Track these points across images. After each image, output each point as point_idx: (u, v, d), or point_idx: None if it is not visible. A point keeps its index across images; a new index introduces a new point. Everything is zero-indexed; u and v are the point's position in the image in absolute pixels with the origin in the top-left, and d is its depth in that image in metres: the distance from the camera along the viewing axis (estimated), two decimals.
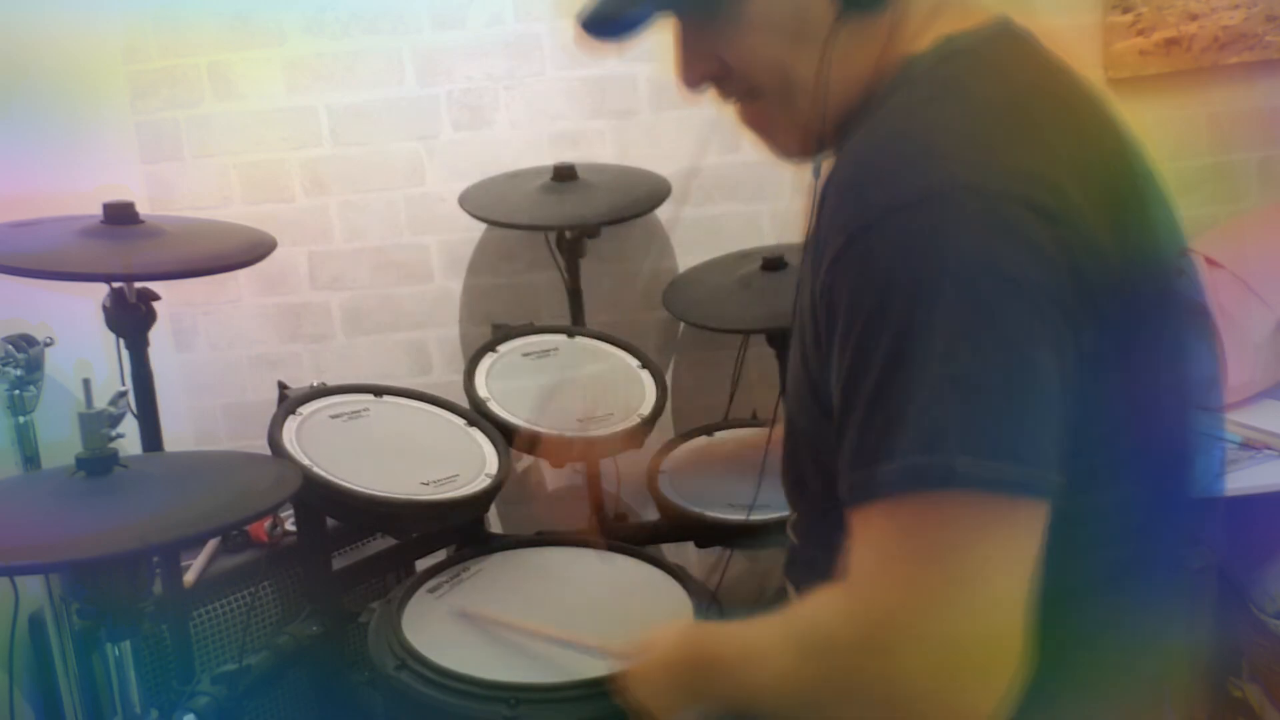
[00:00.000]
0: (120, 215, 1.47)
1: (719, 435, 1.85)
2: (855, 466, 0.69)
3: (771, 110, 0.84)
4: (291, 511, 1.61)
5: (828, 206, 0.74)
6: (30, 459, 1.51)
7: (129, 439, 1.51)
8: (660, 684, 0.89)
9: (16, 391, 1.48)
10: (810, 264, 0.77)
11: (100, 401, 1.46)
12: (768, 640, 0.77)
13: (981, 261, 0.65)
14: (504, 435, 1.61)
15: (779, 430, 0.94)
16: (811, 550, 0.89)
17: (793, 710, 0.74)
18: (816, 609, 0.73)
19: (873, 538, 0.68)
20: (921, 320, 0.65)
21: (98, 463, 1.14)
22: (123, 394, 1.49)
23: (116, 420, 1.48)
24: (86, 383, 1.44)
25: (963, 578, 0.65)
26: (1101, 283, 0.68)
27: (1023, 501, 0.65)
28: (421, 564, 1.62)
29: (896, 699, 0.66)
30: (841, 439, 0.71)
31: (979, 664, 0.65)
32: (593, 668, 1.14)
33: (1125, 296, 0.70)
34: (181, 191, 2.16)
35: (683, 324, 2.17)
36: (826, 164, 0.85)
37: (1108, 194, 0.71)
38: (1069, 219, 0.67)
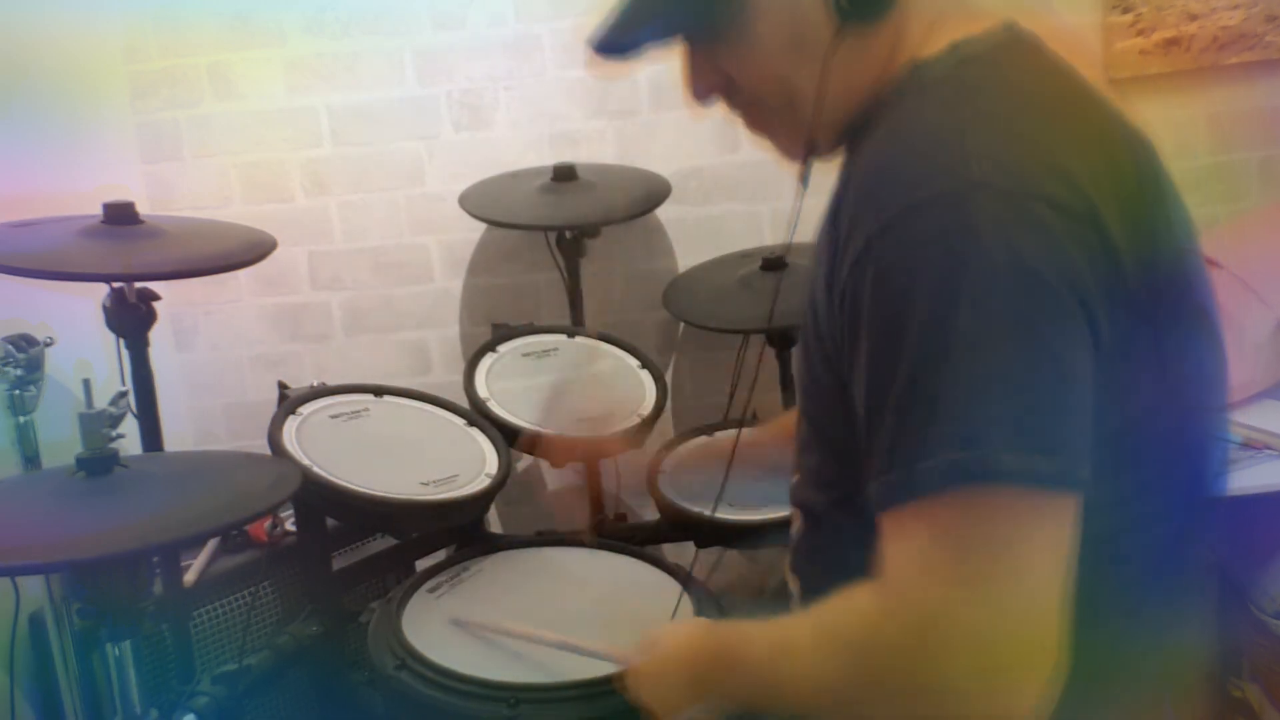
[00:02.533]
0: (120, 215, 1.46)
1: (719, 435, 1.85)
2: (889, 468, 0.69)
3: (775, 120, 0.87)
4: (291, 511, 1.61)
5: (846, 209, 0.74)
6: (30, 459, 1.51)
7: (129, 439, 1.51)
8: (670, 680, 0.88)
9: (17, 391, 1.48)
10: (824, 262, 0.78)
11: (100, 401, 1.46)
12: (796, 637, 0.76)
13: (1002, 257, 0.65)
14: (504, 435, 1.61)
15: (767, 428, 0.94)
16: (820, 539, 0.89)
17: (823, 709, 0.73)
18: (851, 607, 0.72)
19: (910, 536, 0.68)
20: (946, 318, 0.65)
21: (98, 463, 1.14)
22: (123, 394, 1.49)
23: (117, 420, 1.48)
24: (87, 383, 1.44)
25: (1003, 574, 0.65)
26: (1118, 279, 0.68)
27: (1059, 495, 0.65)
28: (421, 564, 1.63)
29: (937, 699, 0.66)
30: (871, 441, 0.71)
31: (1019, 662, 0.65)
32: (593, 668, 1.14)
33: (1142, 293, 0.70)
34: (181, 191, 2.16)
35: (683, 324, 2.17)
36: (821, 168, 0.87)
37: (1121, 193, 0.71)
38: (1086, 215, 0.67)
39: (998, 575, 0.65)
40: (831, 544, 0.86)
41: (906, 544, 0.68)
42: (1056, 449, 0.65)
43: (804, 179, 0.87)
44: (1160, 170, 0.78)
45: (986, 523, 0.65)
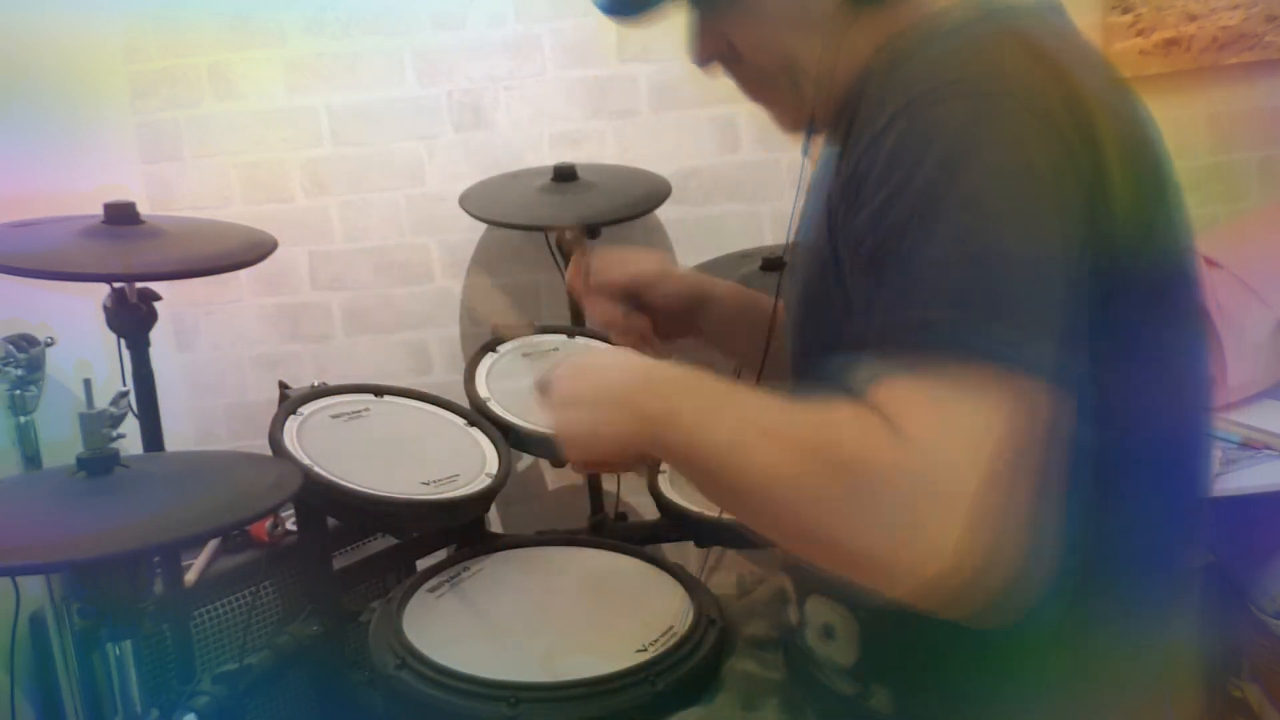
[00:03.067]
0: (121, 215, 1.46)
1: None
2: (887, 311, 0.68)
3: (775, 91, 0.87)
4: (292, 511, 1.61)
5: (869, 99, 0.75)
6: (31, 459, 1.51)
7: (130, 439, 1.51)
8: (591, 390, 0.84)
9: (17, 391, 1.48)
10: (834, 166, 0.79)
11: (101, 401, 1.46)
12: (767, 429, 0.72)
13: (1014, 150, 0.66)
14: (504, 435, 1.61)
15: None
16: None
17: (759, 495, 0.71)
18: (847, 425, 0.68)
19: (911, 385, 0.66)
20: (947, 191, 0.66)
21: (98, 462, 1.14)
22: (124, 394, 1.49)
23: (117, 420, 1.48)
24: (87, 383, 1.44)
25: (984, 450, 0.62)
26: (1118, 275, 0.68)
27: (1034, 381, 0.63)
28: (422, 563, 1.62)
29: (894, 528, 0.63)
30: (872, 296, 0.70)
31: (932, 520, 0.62)
32: (593, 668, 1.14)
33: (1142, 293, 0.70)
34: (182, 191, 2.16)
35: None
36: (817, 143, 0.87)
37: (1133, 170, 0.71)
38: (1098, 174, 0.68)
39: (982, 447, 0.62)
40: None
41: (910, 388, 0.66)
42: (1033, 335, 0.64)
43: (804, 149, 0.88)
44: (1164, 170, 0.78)
45: (986, 394, 0.63)
